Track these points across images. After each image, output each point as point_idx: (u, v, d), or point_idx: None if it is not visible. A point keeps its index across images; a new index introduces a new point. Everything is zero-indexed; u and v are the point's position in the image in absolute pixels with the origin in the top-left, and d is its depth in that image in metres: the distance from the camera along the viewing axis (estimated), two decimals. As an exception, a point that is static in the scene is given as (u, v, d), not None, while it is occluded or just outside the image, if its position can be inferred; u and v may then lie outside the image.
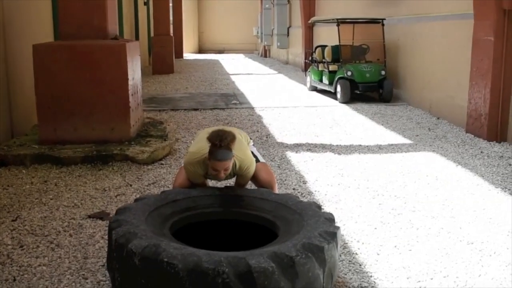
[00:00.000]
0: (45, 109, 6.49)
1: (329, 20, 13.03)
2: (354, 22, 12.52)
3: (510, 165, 6.33)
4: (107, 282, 3.35)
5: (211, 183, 4.39)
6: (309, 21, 15.59)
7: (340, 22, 12.06)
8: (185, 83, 15.35)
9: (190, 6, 33.00)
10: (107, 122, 6.54)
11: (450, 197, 5.17)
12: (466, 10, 8.32)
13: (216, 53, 33.41)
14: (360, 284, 3.39)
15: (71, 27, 6.58)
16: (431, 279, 3.45)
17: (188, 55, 29.84)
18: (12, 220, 4.45)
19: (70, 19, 6.57)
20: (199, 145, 3.78)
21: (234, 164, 3.72)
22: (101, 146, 6.40)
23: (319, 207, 3.50)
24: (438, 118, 9.40)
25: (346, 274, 3.52)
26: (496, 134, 7.54)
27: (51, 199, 5.03)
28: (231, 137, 3.53)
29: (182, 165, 3.90)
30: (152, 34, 19.58)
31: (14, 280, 3.39)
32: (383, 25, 11.71)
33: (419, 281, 3.42)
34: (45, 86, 6.44)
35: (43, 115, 6.52)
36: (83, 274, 3.47)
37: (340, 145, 7.43)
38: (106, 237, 4.08)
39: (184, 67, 20.95)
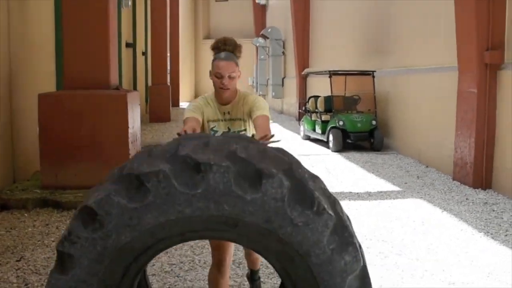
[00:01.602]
0: (47, 155, 6.77)
1: (322, 72, 13.50)
2: (345, 74, 12.97)
3: (493, 210, 6.60)
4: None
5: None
6: (303, 73, 16.10)
7: (332, 74, 12.51)
8: (180, 129, 15.65)
9: (187, 55, 33.75)
10: (107, 168, 6.77)
11: (435, 242, 5.41)
12: (451, 63, 8.74)
13: (212, 102, 33.87)
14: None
15: (74, 78, 6.92)
16: (413, 316, 3.67)
17: (184, 103, 30.35)
18: (17, 261, 4.67)
19: (74, 70, 6.92)
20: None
21: (242, 99, 3.29)
22: (101, 191, 6.63)
23: None
24: (426, 166, 9.71)
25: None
26: (481, 181, 7.83)
27: (53, 241, 5.24)
28: (237, 45, 3.24)
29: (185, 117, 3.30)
30: (149, 83, 20.07)
31: (20, 315, 3.60)
32: (373, 77, 12.16)
33: (402, 318, 3.64)
34: (49, 133, 6.74)
35: (45, 161, 6.79)
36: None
37: (331, 192, 7.67)
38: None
39: (181, 115, 21.33)
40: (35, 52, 8.21)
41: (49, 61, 8.86)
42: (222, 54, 3.15)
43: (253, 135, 3.21)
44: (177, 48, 27.29)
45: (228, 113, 3.27)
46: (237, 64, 3.18)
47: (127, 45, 17.66)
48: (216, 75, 3.16)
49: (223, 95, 3.20)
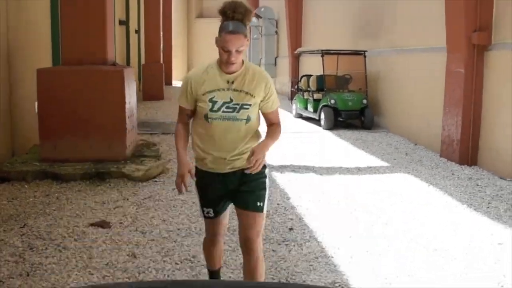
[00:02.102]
0: (46, 129, 6.94)
1: (314, 51, 13.67)
2: (337, 53, 13.16)
3: (477, 185, 6.87)
4: (111, 277, 3.79)
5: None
6: (295, 52, 16.26)
7: (324, 53, 12.69)
8: (174, 109, 15.83)
9: (180, 33, 33.73)
10: (104, 142, 7.00)
11: (420, 212, 5.67)
12: (440, 44, 8.94)
13: (204, 81, 33.99)
14: (334, 281, 3.87)
15: (73, 54, 7.07)
16: (397, 277, 3.93)
17: (177, 82, 30.42)
18: (20, 227, 4.88)
19: (72, 46, 7.07)
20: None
21: (250, 70, 3.08)
22: (98, 164, 6.84)
23: None
24: (415, 144, 9.96)
25: (322, 273, 3.99)
26: (467, 158, 8.09)
27: (54, 210, 5.45)
28: (248, 10, 2.95)
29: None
30: (142, 62, 20.16)
31: (28, 275, 3.82)
32: (365, 56, 12.36)
33: (386, 278, 3.90)
34: (47, 107, 6.90)
35: (44, 134, 6.97)
36: (89, 271, 3.91)
37: (322, 167, 7.94)
38: (108, 241, 4.53)
39: (174, 94, 21.48)
40: (32, 29, 8.33)
41: (46, 37, 8.99)
42: (230, 25, 2.88)
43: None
44: (170, 27, 27.26)
45: (232, 82, 3.03)
46: (246, 36, 2.92)
47: (120, 22, 17.71)
48: (223, 48, 2.92)
49: (229, 68, 3.00)
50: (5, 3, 7.35)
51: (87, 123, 6.96)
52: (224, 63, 2.97)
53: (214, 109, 3.01)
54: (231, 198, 3.14)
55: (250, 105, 3.03)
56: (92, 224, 5.00)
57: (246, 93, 3.02)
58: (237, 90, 3.02)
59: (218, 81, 3.03)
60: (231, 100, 3.02)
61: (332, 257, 4.32)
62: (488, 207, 5.91)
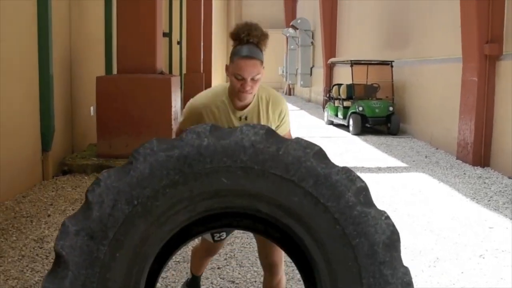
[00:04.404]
0: (103, 129, 7.99)
1: (344, 61, 14.53)
2: (366, 63, 13.98)
3: (484, 183, 7.61)
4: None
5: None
6: (328, 62, 17.12)
7: (353, 63, 13.54)
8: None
9: (219, 45, 34.94)
10: (153, 140, 7.99)
11: (427, 203, 6.47)
12: (458, 55, 9.70)
13: (242, 90, 35.08)
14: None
15: (127, 64, 8.12)
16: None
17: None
18: (86, 207, 5.88)
19: (126, 57, 8.11)
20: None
21: (263, 100, 2.72)
22: (147, 160, 7.83)
23: None
24: (436, 149, 10.69)
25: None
26: (480, 160, 8.81)
27: (112, 195, 6.45)
28: (264, 34, 2.60)
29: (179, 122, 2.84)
30: (184, 71, 21.30)
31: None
32: (392, 66, 13.16)
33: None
34: (104, 110, 7.95)
35: (101, 133, 8.01)
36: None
37: (346, 166, 8.74)
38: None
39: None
40: (89, 41, 9.46)
41: (100, 48, 10.13)
42: (245, 50, 2.53)
43: None
44: (210, 39, 28.42)
45: (245, 118, 2.69)
46: (262, 63, 2.57)
47: (164, 34, 18.84)
48: (236, 76, 2.54)
49: (242, 100, 2.62)
50: (69, 18, 8.47)
51: (138, 124, 7.97)
52: (236, 94, 2.59)
53: None
54: None
55: None
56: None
57: None
58: None
59: (231, 119, 2.68)
60: None
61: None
62: (489, 200, 6.66)
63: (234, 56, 2.56)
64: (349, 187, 2.00)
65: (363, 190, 2.01)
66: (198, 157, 1.95)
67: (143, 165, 1.95)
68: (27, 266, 4.20)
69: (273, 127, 2.71)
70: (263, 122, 2.69)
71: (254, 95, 2.66)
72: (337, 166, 2.02)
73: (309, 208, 1.96)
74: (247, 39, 2.54)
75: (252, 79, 2.53)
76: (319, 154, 2.00)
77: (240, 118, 2.67)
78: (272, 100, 2.71)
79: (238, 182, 1.96)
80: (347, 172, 2.03)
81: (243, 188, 1.97)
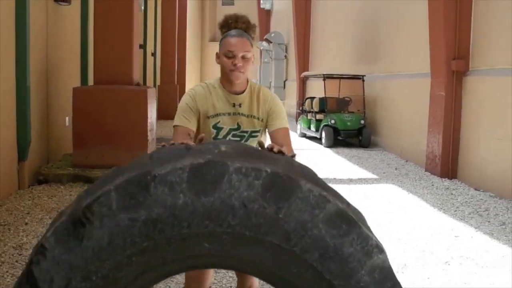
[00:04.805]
0: (79, 139, 8.05)
1: (317, 75, 14.82)
2: (338, 77, 14.28)
3: (451, 194, 7.89)
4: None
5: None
6: (301, 75, 17.42)
7: (326, 77, 13.83)
8: (188, 127, 16.97)
9: (194, 56, 35.10)
10: (129, 151, 8.07)
11: (395, 213, 6.69)
12: (428, 70, 10.01)
13: (216, 102, 35.31)
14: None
15: (103, 75, 8.21)
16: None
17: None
18: (63, 216, 5.95)
19: (103, 68, 8.21)
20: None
21: (255, 89, 2.68)
22: (123, 170, 7.92)
23: None
24: (406, 161, 10.98)
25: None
26: (447, 172, 9.10)
27: (88, 205, 6.52)
28: (251, 23, 2.66)
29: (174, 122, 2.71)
30: (157, 83, 21.37)
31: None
32: (363, 80, 13.47)
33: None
34: (80, 121, 8.02)
35: (77, 144, 8.07)
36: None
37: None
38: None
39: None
40: (66, 50, 9.52)
41: (76, 58, 10.19)
42: (233, 31, 2.56)
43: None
44: (184, 50, 28.55)
45: (240, 105, 2.63)
46: (251, 44, 2.57)
47: (139, 46, 18.96)
48: (227, 54, 2.53)
49: (235, 80, 2.55)
50: (46, 30, 8.54)
51: (114, 135, 8.06)
52: (228, 75, 2.56)
53: (219, 137, 2.64)
54: None
55: (259, 131, 2.68)
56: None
57: (255, 117, 2.65)
58: (244, 115, 2.64)
59: (224, 103, 2.63)
60: (239, 127, 2.65)
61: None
62: (455, 211, 6.92)
63: (224, 38, 2.58)
64: (363, 263, 1.57)
65: (381, 264, 1.63)
66: (172, 220, 1.48)
67: (99, 231, 1.47)
68: (7, 272, 4.27)
69: (265, 117, 2.65)
70: (254, 109, 2.63)
71: (248, 84, 2.64)
72: (352, 233, 1.56)
73: (311, 283, 1.57)
74: (235, 26, 2.59)
75: (243, 58, 2.52)
76: (331, 215, 1.55)
77: (234, 104, 2.62)
78: (263, 89, 2.69)
79: (223, 247, 1.54)
80: (364, 242, 1.58)
81: (230, 254, 1.57)
